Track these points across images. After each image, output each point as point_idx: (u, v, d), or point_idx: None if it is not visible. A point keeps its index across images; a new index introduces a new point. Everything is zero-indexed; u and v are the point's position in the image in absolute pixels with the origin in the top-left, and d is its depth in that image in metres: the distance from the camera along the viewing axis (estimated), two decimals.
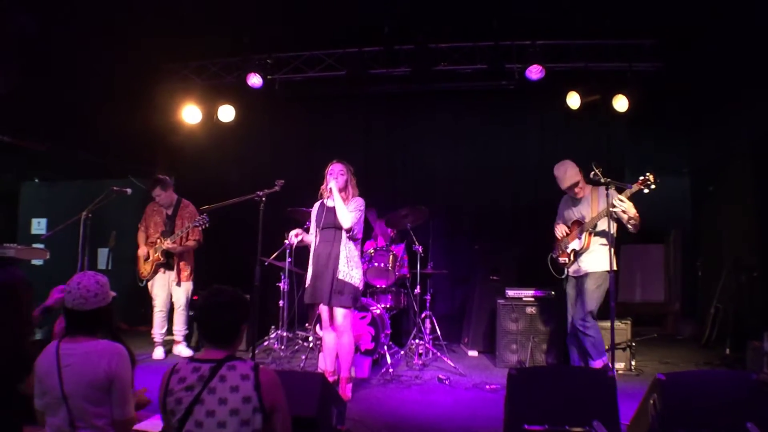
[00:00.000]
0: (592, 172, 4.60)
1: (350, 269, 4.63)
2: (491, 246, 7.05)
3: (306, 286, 4.80)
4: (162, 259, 6.03)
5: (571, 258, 5.14)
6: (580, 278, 5.09)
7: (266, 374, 2.20)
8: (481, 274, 6.89)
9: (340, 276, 4.58)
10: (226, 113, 7.67)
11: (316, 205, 4.95)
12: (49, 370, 2.42)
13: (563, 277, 5.32)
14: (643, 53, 6.76)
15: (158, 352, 6.10)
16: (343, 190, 4.72)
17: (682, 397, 2.98)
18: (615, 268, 4.81)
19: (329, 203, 4.78)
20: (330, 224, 4.72)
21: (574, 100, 6.87)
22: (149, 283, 6.15)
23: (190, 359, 2.24)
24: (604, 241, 4.91)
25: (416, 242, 6.22)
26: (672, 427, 2.91)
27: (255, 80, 7.13)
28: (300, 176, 7.81)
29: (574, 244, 5.09)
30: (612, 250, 4.81)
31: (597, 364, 4.89)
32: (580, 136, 7.38)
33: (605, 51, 6.82)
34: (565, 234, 5.20)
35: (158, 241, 6.04)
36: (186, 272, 6.16)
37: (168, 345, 6.31)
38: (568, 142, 7.45)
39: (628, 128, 7.44)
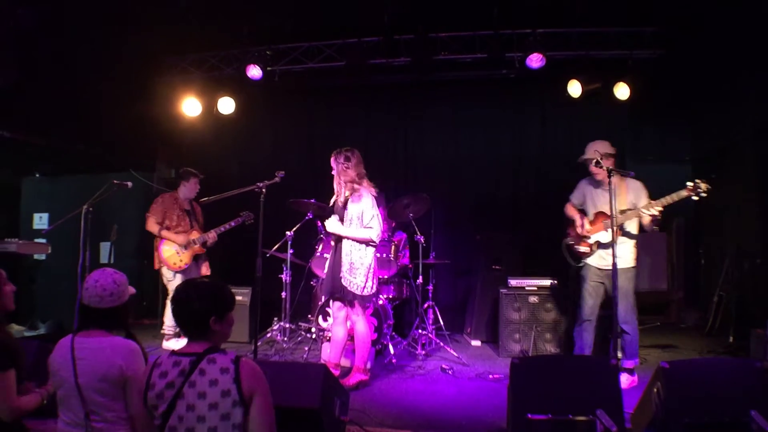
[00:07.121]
0: (594, 160, 4.59)
1: (352, 276, 4.66)
2: (493, 236, 7.04)
3: (323, 277, 4.93)
4: (204, 250, 6.15)
5: (594, 249, 4.94)
6: (608, 273, 4.73)
7: (247, 366, 2.16)
8: (484, 263, 6.89)
9: (343, 282, 4.67)
10: (226, 105, 7.65)
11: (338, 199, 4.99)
12: (64, 363, 2.49)
13: (580, 265, 5.08)
14: (644, 41, 6.72)
15: (171, 344, 5.91)
16: (349, 182, 4.79)
17: (686, 385, 2.99)
18: (635, 264, 4.85)
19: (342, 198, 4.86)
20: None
21: (575, 89, 6.83)
22: (177, 275, 6.01)
23: (172, 353, 2.22)
24: (629, 233, 4.83)
25: (418, 232, 6.20)
26: (675, 415, 2.91)
27: (254, 72, 7.10)
28: (301, 167, 7.85)
29: (600, 236, 4.89)
30: (635, 242, 4.83)
31: (629, 364, 4.78)
32: (581, 125, 7.37)
33: (606, 39, 6.78)
34: (587, 227, 4.99)
35: (195, 232, 6.10)
36: (207, 265, 6.29)
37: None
38: (569, 131, 7.45)
39: (629, 116, 7.42)
